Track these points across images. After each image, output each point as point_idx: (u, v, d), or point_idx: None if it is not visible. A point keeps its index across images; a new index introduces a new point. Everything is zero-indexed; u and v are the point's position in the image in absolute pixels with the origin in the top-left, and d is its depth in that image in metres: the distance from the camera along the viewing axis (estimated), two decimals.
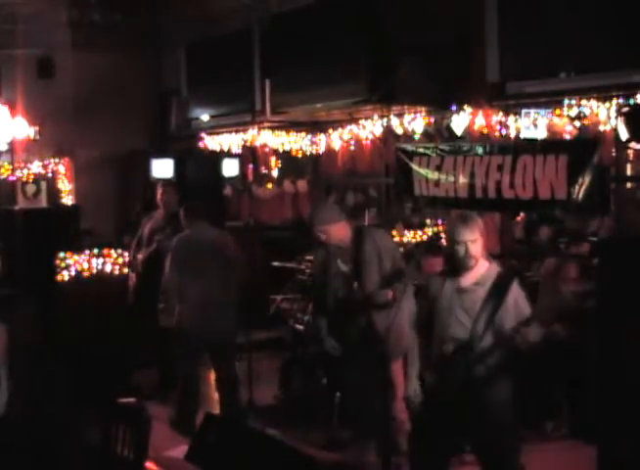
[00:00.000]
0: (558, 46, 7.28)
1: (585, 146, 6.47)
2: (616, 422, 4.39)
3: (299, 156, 11.06)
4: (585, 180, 6.21)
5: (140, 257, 7.83)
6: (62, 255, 7.37)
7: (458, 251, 4.33)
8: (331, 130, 10.07)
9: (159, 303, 7.27)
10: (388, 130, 8.81)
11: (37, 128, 10.27)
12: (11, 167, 9.43)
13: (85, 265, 7.47)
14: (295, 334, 7.38)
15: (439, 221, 9.00)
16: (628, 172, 7.84)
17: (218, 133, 11.42)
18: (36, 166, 10.70)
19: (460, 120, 7.84)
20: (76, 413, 3.73)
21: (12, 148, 9.27)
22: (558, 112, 7.27)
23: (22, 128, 9.33)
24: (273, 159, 11.98)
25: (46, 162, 10.99)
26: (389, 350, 5.10)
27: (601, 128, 7.04)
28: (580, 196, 6.25)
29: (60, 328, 7.11)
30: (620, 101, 6.78)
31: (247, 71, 10.78)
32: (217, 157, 11.31)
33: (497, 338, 4.27)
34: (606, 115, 6.91)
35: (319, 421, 6.41)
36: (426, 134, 8.38)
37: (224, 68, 10.99)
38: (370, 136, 9.32)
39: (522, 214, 9.23)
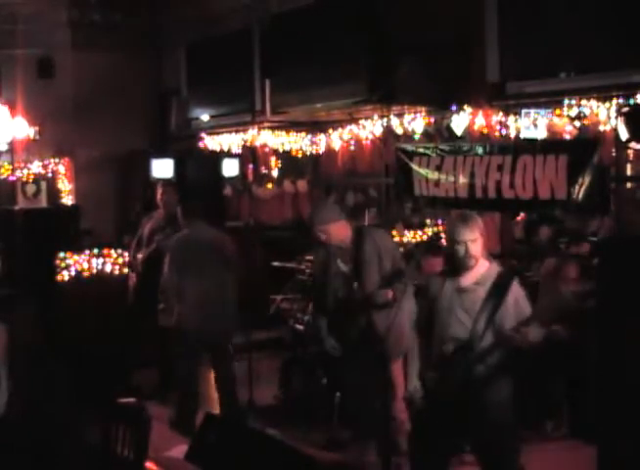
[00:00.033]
0: (558, 46, 7.28)
1: (585, 146, 6.47)
2: (616, 422, 4.39)
3: (299, 156, 11.06)
4: (585, 180, 6.22)
5: (140, 257, 7.84)
6: (62, 255, 7.37)
7: (458, 250, 4.33)
8: (331, 130, 10.07)
9: (158, 302, 7.27)
10: (388, 130, 8.81)
11: (37, 128, 10.27)
12: (11, 167, 9.43)
13: (85, 265, 7.47)
14: (295, 334, 7.38)
15: (439, 221, 9.00)
16: (628, 172, 7.83)
17: (218, 133, 11.42)
18: (36, 166, 10.70)
19: (460, 120, 7.84)
20: (76, 413, 3.73)
21: (12, 148, 9.28)
22: (558, 112, 7.27)
23: (22, 128, 9.34)
24: (273, 159, 11.98)
25: (46, 162, 10.99)
26: (389, 350, 5.10)
27: (601, 128, 7.04)
28: (580, 196, 6.25)
29: (60, 328, 7.11)
30: (620, 101, 6.78)
31: (247, 71, 10.78)
32: (217, 157, 11.31)
33: (497, 337, 4.26)
34: (606, 115, 6.91)
35: (319, 421, 6.41)
36: (426, 134, 8.38)
37: (224, 68, 10.99)
38: (370, 136, 9.32)
39: (522, 214, 9.22)
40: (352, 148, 9.87)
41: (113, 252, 7.63)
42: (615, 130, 6.55)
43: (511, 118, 7.60)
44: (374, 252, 5.58)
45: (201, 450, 4.08)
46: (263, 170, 12.06)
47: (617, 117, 6.49)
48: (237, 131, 11.10)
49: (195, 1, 11.41)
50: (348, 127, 9.63)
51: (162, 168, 10.94)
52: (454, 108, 7.91)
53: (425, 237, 9.25)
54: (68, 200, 11.21)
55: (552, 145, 6.79)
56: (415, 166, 7.62)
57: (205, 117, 11.42)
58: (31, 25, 11.24)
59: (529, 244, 8.58)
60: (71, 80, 11.64)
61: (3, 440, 3.49)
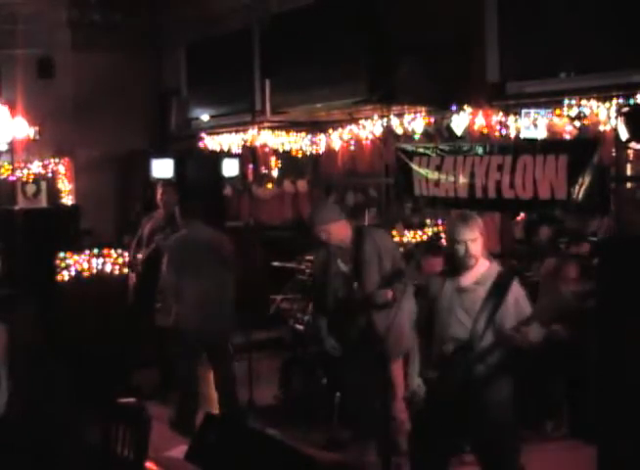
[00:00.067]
0: (558, 46, 7.28)
1: (585, 146, 6.47)
2: (616, 422, 4.39)
3: (299, 156, 11.06)
4: (585, 180, 6.22)
5: (140, 257, 7.84)
6: (62, 255, 7.37)
7: (458, 250, 4.33)
8: (331, 130, 10.07)
9: (156, 302, 7.27)
10: (388, 130, 8.81)
11: (37, 128, 10.27)
12: (11, 167, 9.44)
13: (85, 265, 7.47)
14: (295, 334, 7.38)
15: (439, 221, 9.00)
16: (628, 172, 7.83)
17: (218, 133, 11.41)
18: (36, 166, 10.70)
19: (460, 120, 7.84)
20: (76, 413, 3.73)
21: (12, 148, 9.28)
22: (558, 112, 7.27)
23: (22, 128, 9.34)
24: (273, 159, 11.98)
25: (46, 162, 10.99)
26: (389, 350, 5.10)
27: (601, 128, 7.04)
28: (580, 196, 6.26)
29: (60, 328, 7.11)
30: (620, 101, 6.78)
31: (247, 71, 10.78)
32: (217, 157, 11.31)
33: (497, 337, 4.26)
34: (606, 115, 6.91)
35: (319, 421, 6.41)
36: (426, 134, 8.38)
37: (224, 68, 10.99)
38: (370, 136, 9.32)
39: (522, 214, 9.23)
40: (352, 148, 9.87)
41: (113, 252, 7.63)
42: (615, 130, 6.55)
43: (511, 118, 7.60)
44: (374, 252, 5.58)
45: (201, 450, 4.08)
46: (263, 170, 12.07)
47: (616, 117, 6.49)
48: (237, 131, 11.10)
49: (195, 1, 11.41)
50: (348, 127, 9.63)
51: (162, 168, 10.94)
52: (454, 108, 7.90)
53: (425, 237, 9.25)
54: (68, 200, 11.21)
55: (552, 145, 6.79)
56: (415, 166, 7.63)
57: (205, 117, 11.42)
58: (31, 25, 11.24)
59: (529, 244, 8.59)
60: (71, 80, 11.64)
61: (3, 440, 3.49)
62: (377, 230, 6.10)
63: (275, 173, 12.11)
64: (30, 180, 9.55)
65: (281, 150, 11.12)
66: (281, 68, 9.53)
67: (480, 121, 7.74)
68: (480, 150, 7.04)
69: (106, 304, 7.51)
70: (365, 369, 5.36)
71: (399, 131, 8.65)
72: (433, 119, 8.29)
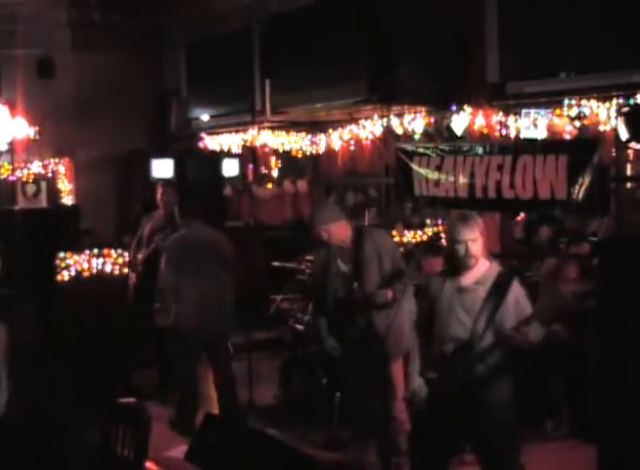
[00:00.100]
0: (558, 46, 7.28)
1: (585, 146, 6.47)
2: (616, 422, 4.39)
3: (299, 156, 11.06)
4: (585, 180, 6.22)
5: (140, 257, 7.84)
6: (62, 255, 7.37)
7: (458, 250, 4.33)
8: (331, 130, 10.07)
9: (155, 302, 7.27)
10: (388, 130, 8.81)
11: (37, 128, 10.27)
12: (11, 167, 9.44)
13: (85, 265, 7.47)
14: (295, 334, 7.38)
15: (439, 221, 9.00)
16: (628, 172, 7.83)
17: (218, 133, 11.41)
18: (36, 166, 10.70)
19: (460, 120, 7.84)
20: (76, 413, 3.73)
21: (12, 148, 9.28)
22: (558, 112, 7.27)
23: (22, 128, 9.34)
24: (273, 159, 11.98)
25: (46, 162, 10.99)
26: (389, 350, 5.10)
27: (601, 128, 7.04)
28: (580, 196, 6.25)
29: (60, 328, 7.11)
30: (620, 101, 6.78)
31: (247, 71, 10.78)
32: (217, 157, 11.31)
33: (497, 337, 4.26)
34: (606, 115, 6.91)
35: (319, 421, 6.41)
36: (426, 134, 8.38)
37: (224, 68, 10.99)
38: (370, 136, 9.32)
39: (522, 214, 9.23)
40: (352, 148, 9.86)
41: (113, 252, 7.63)
42: (615, 130, 6.55)
43: (511, 118, 7.60)
44: (374, 252, 5.58)
45: (201, 450, 4.08)
46: (263, 170, 12.07)
47: (616, 117, 6.49)
48: (237, 131, 11.10)
49: (195, 1, 11.40)
50: (348, 127, 9.63)
51: (162, 168, 10.94)
52: (454, 108, 7.90)
53: (425, 237, 9.25)
54: (68, 200, 11.21)
55: (552, 145, 6.79)
56: (415, 166, 7.63)
57: (205, 117, 11.42)
58: (31, 25, 11.24)
59: (529, 244, 8.59)
60: (71, 80, 11.64)
61: (3, 440, 3.49)
62: (377, 230, 6.10)
63: (275, 173, 12.11)
64: (30, 180, 9.55)
65: (281, 150, 11.12)
66: (281, 68, 9.53)
67: (480, 121, 7.74)
68: (479, 150, 7.03)
69: (106, 304, 7.50)
70: (365, 369, 5.36)
71: (399, 131, 8.65)
72: (433, 119, 8.29)
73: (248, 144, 11.07)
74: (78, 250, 7.51)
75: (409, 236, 9.23)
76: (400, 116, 8.60)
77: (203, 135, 11.55)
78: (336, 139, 9.99)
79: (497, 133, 7.68)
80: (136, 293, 7.90)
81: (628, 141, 6.36)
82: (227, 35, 10.85)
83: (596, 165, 6.21)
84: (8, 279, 7.42)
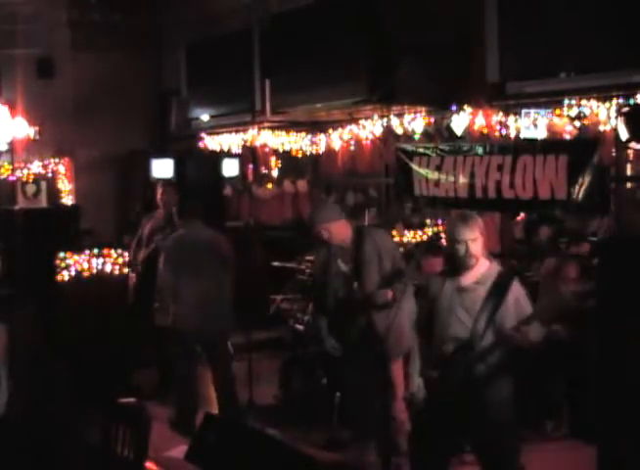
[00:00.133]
0: (558, 46, 7.28)
1: (585, 146, 6.47)
2: (616, 422, 4.39)
3: (299, 156, 11.06)
4: (585, 180, 6.22)
5: (140, 257, 7.84)
6: (62, 255, 7.36)
7: (458, 250, 4.33)
8: (331, 130, 10.07)
9: (154, 302, 7.26)
10: (388, 130, 8.81)
11: (37, 128, 10.27)
12: (11, 167, 9.44)
13: (85, 265, 7.46)
14: (295, 334, 7.38)
15: (439, 221, 9.00)
16: (628, 172, 7.84)
17: (218, 133, 11.42)
18: (36, 166, 10.70)
19: (460, 120, 7.84)
20: (76, 413, 3.73)
21: (12, 148, 9.28)
22: (558, 112, 7.27)
23: (22, 128, 9.34)
24: (273, 159, 11.98)
25: (46, 162, 11.00)
26: (389, 350, 5.10)
27: (601, 128, 7.04)
28: (580, 196, 6.25)
29: (60, 328, 7.11)
30: (620, 101, 6.78)
31: (247, 71, 10.78)
32: (217, 157, 11.31)
33: (498, 337, 4.26)
34: (606, 115, 6.91)
35: (319, 421, 6.41)
36: (426, 134, 8.38)
37: (224, 68, 10.99)
38: (370, 136, 9.32)
39: (522, 214, 9.23)
40: (352, 148, 9.87)
41: (113, 252, 7.63)
42: (615, 130, 6.55)
43: (511, 118, 7.60)
44: (374, 252, 5.58)
45: (201, 450, 4.08)
46: (263, 170, 12.07)
47: (617, 117, 6.49)
48: (237, 131, 11.10)
49: (195, 1, 11.41)
50: (348, 127, 9.63)
51: (162, 168, 10.94)
52: (454, 108, 7.91)
53: (425, 237, 9.25)
54: (68, 200, 11.21)
55: (552, 145, 6.79)
56: (415, 166, 7.62)
57: (205, 117, 11.42)
58: (31, 25, 11.25)
59: (529, 244, 8.59)
60: (71, 80, 11.64)
61: (3, 440, 3.49)
62: (377, 230, 6.11)
63: (275, 173, 12.11)
64: (30, 180, 9.55)
65: (281, 150, 11.12)
66: (281, 68, 9.53)
67: (480, 121, 7.74)
68: (479, 150, 7.03)
69: (106, 304, 7.50)
70: (365, 369, 5.36)
71: (399, 131, 8.65)
72: (433, 119, 8.30)
73: (248, 144, 11.07)
74: (78, 250, 7.51)
75: (409, 236, 9.23)
76: (400, 116, 8.60)
77: (203, 135, 11.55)
78: (336, 139, 9.99)
79: (497, 133, 7.68)
80: (136, 293, 7.90)
81: (628, 141, 6.36)
82: (227, 35, 10.84)
83: (596, 165, 6.21)
84: (8, 279, 7.41)
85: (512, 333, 4.19)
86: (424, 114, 8.37)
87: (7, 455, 3.48)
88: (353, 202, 11.05)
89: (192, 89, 11.87)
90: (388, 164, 9.11)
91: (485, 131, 7.73)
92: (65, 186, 11.26)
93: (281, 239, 10.44)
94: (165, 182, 8.58)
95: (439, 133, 8.19)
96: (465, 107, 7.81)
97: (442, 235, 8.31)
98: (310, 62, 8.78)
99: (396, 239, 8.59)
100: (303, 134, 10.69)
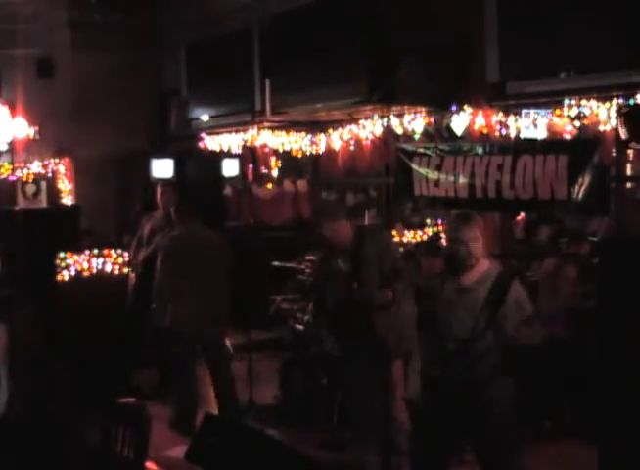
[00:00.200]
0: (558, 46, 7.28)
1: (585, 146, 6.47)
2: (616, 422, 4.39)
3: (299, 156, 11.06)
4: (585, 180, 6.22)
5: (140, 257, 7.83)
6: (62, 255, 7.36)
7: (458, 250, 4.33)
8: (331, 130, 10.07)
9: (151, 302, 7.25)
10: (389, 130, 8.81)
11: (37, 128, 10.27)
12: (11, 167, 9.43)
13: (85, 265, 7.46)
14: (295, 334, 7.38)
15: (439, 221, 9.00)
16: (628, 172, 7.83)
17: (218, 133, 11.42)
18: (36, 166, 10.71)
19: (460, 120, 7.84)
20: (76, 413, 3.73)
21: (12, 148, 9.27)
22: (558, 112, 7.28)
23: (22, 128, 9.33)
24: (273, 159, 11.98)
25: (46, 162, 11.00)
26: (390, 350, 5.10)
27: (601, 128, 7.04)
28: (580, 196, 6.26)
29: (60, 328, 7.10)
30: (620, 101, 6.78)
31: (247, 71, 10.78)
32: (217, 157, 11.31)
33: (498, 337, 4.26)
34: (606, 115, 6.91)
35: (319, 421, 6.41)
36: (426, 134, 8.38)
37: (224, 68, 10.99)
38: (370, 136, 9.33)
39: (522, 214, 9.23)
40: (352, 148, 9.87)
41: (113, 252, 7.62)
42: (615, 130, 6.55)
43: (511, 118, 7.61)
44: (374, 252, 5.58)
45: (201, 450, 4.07)
46: (263, 170, 12.07)
47: (617, 117, 6.49)
48: (237, 131, 11.11)
49: (195, 1, 11.41)
50: (348, 127, 9.64)
51: (162, 168, 10.93)
52: (454, 108, 7.91)
53: (425, 237, 9.25)
54: (68, 200, 11.21)
55: (552, 145, 6.79)
56: (415, 166, 7.62)
57: (205, 118, 11.42)
58: (31, 25, 11.25)
59: (529, 244, 8.59)
60: (71, 80, 11.65)
61: (3, 440, 3.49)
62: (377, 230, 6.12)
63: (275, 173, 12.11)
64: (30, 180, 9.51)
65: (281, 150, 11.13)
66: (281, 68, 9.53)
67: (480, 121, 7.74)
68: (480, 150, 7.03)
69: (106, 304, 7.50)
70: (365, 369, 5.36)
71: (399, 131, 8.65)
72: (433, 119, 8.30)
73: (248, 144, 11.07)
74: (78, 250, 7.51)
75: (409, 236, 9.23)
76: (400, 116, 8.60)
77: (203, 135, 11.55)
78: (336, 139, 10.00)
79: (497, 133, 7.68)
80: (136, 293, 7.89)
81: (628, 141, 6.36)
82: (227, 35, 10.85)
83: (596, 165, 6.21)
84: (8, 279, 7.41)
85: (512, 333, 4.19)
86: (424, 114, 8.37)
87: (7, 455, 3.48)
88: (353, 202, 11.05)
89: (192, 89, 11.87)
90: (388, 164, 9.11)
91: (485, 131, 7.73)
92: (65, 186, 11.27)
93: (281, 239, 10.44)
94: (165, 182, 8.58)
95: (439, 133, 8.20)
96: (465, 107, 7.81)
97: (442, 235, 8.31)
98: (310, 62, 8.78)
99: (396, 239, 8.58)
100: (303, 134, 10.69)
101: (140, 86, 12.02)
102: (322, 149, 10.49)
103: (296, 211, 11.70)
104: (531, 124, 7.47)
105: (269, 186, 11.85)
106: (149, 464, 3.99)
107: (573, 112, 7.11)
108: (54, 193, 10.75)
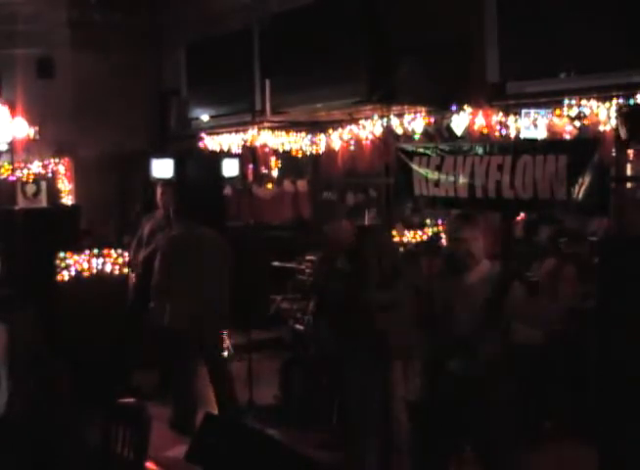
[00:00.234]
0: (558, 46, 7.28)
1: (585, 146, 6.47)
2: (616, 422, 4.39)
3: (299, 156, 11.06)
4: (585, 180, 6.21)
5: (140, 257, 7.83)
6: (62, 255, 7.37)
7: (459, 250, 4.34)
8: (331, 130, 10.07)
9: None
10: (389, 130, 8.80)
11: (37, 128, 10.26)
12: (11, 167, 9.43)
13: (85, 265, 7.46)
14: (295, 334, 7.38)
15: (439, 221, 8.99)
16: (628, 172, 7.83)
17: (218, 133, 11.41)
18: (36, 166, 10.70)
19: (460, 120, 7.84)
20: (76, 413, 3.73)
21: (12, 148, 9.27)
22: (558, 112, 7.27)
23: (22, 128, 9.33)
24: (273, 159, 11.98)
25: (46, 162, 10.99)
26: (390, 350, 5.10)
27: (601, 128, 7.04)
28: (580, 196, 6.25)
29: (60, 328, 7.11)
30: (620, 101, 6.78)
31: (247, 71, 10.77)
32: (217, 157, 11.30)
33: (498, 337, 4.26)
34: (606, 115, 6.91)
35: (319, 421, 6.41)
36: (426, 134, 8.38)
37: (224, 68, 10.98)
38: (370, 136, 9.32)
39: (522, 214, 9.22)
40: (352, 148, 9.86)
41: (113, 252, 7.63)
42: (615, 130, 6.54)
43: (511, 118, 7.60)
44: (374, 252, 5.58)
45: (201, 450, 4.07)
46: (263, 170, 12.06)
47: (616, 117, 6.49)
48: (237, 131, 11.10)
49: (195, 1, 11.40)
50: (348, 127, 9.63)
51: (162, 168, 10.92)
52: (454, 108, 7.90)
53: (425, 237, 9.25)
54: (68, 200, 11.21)
55: (552, 145, 6.79)
56: (415, 166, 7.62)
57: (205, 117, 11.41)
58: (31, 25, 11.24)
59: (529, 244, 8.58)
60: (71, 80, 11.64)
61: (3, 440, 3.49)
62: (377, 230, 6.12)
63: (275, 173, 12.10)
64: (30, 180, 9.51)
65: (281, 150, 11.12)
66: (281, 68, 9.53)
67: (480, 121, 7.74)
68: (480, 150, 7.03)
69: (106, 304, 7.50)
70: (365, 369, 5.36)
71: (399, 131, 8.65)
72: (433, 119, 8.29)
73: (248, 144, 11.07)
74: (78, 250, 7.51)
75: (409, 236, 9.23)
76: (400, 116, 8.60)
77: (203, 135, 11.55)
78: (336, 139, 9.99)
79: (497, 133, 7.68)
80: (136, 293, 7.89)
81: (628, 141, 6.36)
82: (227, 35, 10.84)
83: (596, 165, 6.21)
84: (8, 279, 7.41)
85: (512, 333, 4.19)
86: (424, 114, 8.37)
87: (7, 455, 3.48)
88: (353, 202, 11.05)
89: (192, 89, 11.86)
90: (388, 165, 9.10)
91: (485, 131, 7.73)
92: (65, 186, 11.26)
93: (281, 239, 10.44)
94: (165, 182, 8.58)
95: (439, 133, 8.19)
96: (465, 107, 7.81)
97: (442, 235, 8.31)
98: (310, 62, 8.78)
99: (396, 239, 8.58)
100: (303, 134, 10.69)
101: (140, 86, 12.02)
102: (322, 149, 10.48)
103: (296, 211, 11.70)
104: (531, 124, 7.46)
105: (269, 186, 11.85)
106: (149, 464, 3.99)
107: (573, 112, 7.10)
108: (54, 193, 10.74)
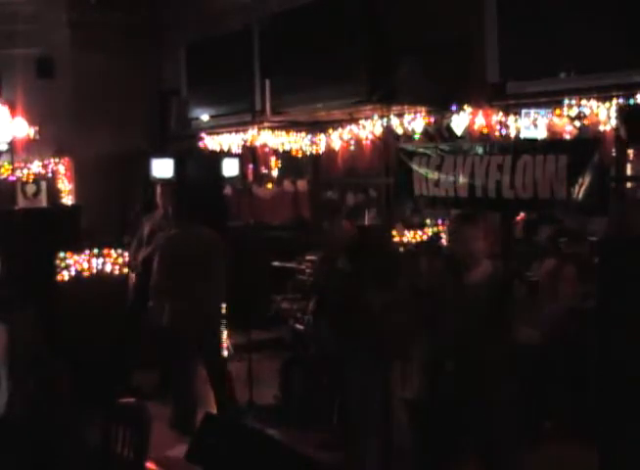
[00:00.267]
0: (558, 46, 7.27)
1: (585, 146, 6.47)
2: (616, 422, 4.39)
3: (299, 156, 11.06)
4: (585, 180, 6.21)
5: (140, 257, 7.83)
6: (62, 255, 7.37)
7: (459, 250, 4.33)
8: (331, 130, 10.07)
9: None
10: (389, 130, 8.81)
11: (37, 128, 10.26)
12: (11, 167, 9.44)
13: (85, 265, 7.46)
14: (295, 334, 7.38)
15: (439, 221, 8.99)
16: (628, 172, 7.83)
17: (218, 133, 11.41)
18: (36, 166, 10.70)
19: (460, 120, 7.84)
20: (76, 413, 3.73)
21: (12, 148, 9.27)
22: (558, 112, 7.27)
23: (22, 128, 9.33)
24: (273, 159, 11.98)
25: (46, 162, 10.99)
26: (389, 350, 5.10)
27: (601, 128, 7.04)
28: (580, 196, 6.25)
29: (60, 328, 7.10)
30: (620, 101, 6.78)
31: (247, 71, 10.77)
32: (217, 157, 11.30)
33: (498, 337, 4.26)
34: (606, 115, 6.91)
35: (319, 421, 6.41)
36: (426, 134, 8.38)
37: (224, 68, 10.98)
38: (370, 136, 9.32)
39: (522, 214, 9.22)
40: (352, 148, 9.86)
41: (113, 252, 7.63)
42: (615, 130, 6.55)
43: (511, 118, 7.60)
44: (373, 252, 5.58)
45: (201, 450, 4.08)
46: (263, 170, 12.06)
47: (617, 117, 6.49)
48: (237, 131, 11.10)
49: (195, 1, 11.40)
50: (348, 127, 9.63)
51: (162, 168, 10.92)
52: (454, 108, 7.90)
53: (425, 237, 9.25)
54: (68, 200, 11.21)
55: (552, 145, 6.79)
56: (415, 166, 7.62)
57: (205, 117, 11.41)
58: (31, 25, 11.24)
59: (529, 244, 8.58)
60: (71, 80, 11.64)
61: (3, 440, 3.49)
62: (376, 230, 6.12)
63: (275, 173, 12.10)
64: (30, 180, 9.54)
65: (281, 150, 11.12)
66: (281, 68, 9.53)
67: (480, 121, 7.74)
68: (479, 150, 7.03)
69: (106, 304, 7.50)
70: (365, 369, 5.36)
71: (399, 131, 8.65)
72: (433, 119, 8.29)
73: (248, 144, 11.07)
74: (78, 250, 7.51)
75: (409, 236, 9.23)
76: (400, 116, 8.60)
77: (203, 135, 11.55)
78: (336, 139, 9.99)
79: (497, 133, 7.68)
80: (136, 293, 7.89)
81: (628, 141, 6.36)
82: (227, 35, 10.84)
83: (596, 165, 6.21)
84: (8, 279, 7.41)
85: (512, 333, 4.19)
86: (424, 114, 8.37)
87: (7, 455, 3.48)
88: (353, 202, 11.05)
89: (192, 89, 11.86)
90: (388, 165, 9.11)
91: (485, 131, 7.73)
92: (65, 186, 11.26)
93: (281, 239, 10.44)
94: (165, 182, 8.58)
95: (439, 133, 8.19)
96: (465, 107, 7.81)
97: (442, 235, 8.31)
98: (310, 62, 8.78)
99: (396, 239, 8.58)
100: (303, 134, 10.69)
101: (140, 86, 12.01)
102: (322, 149, 10.48)
103: (296, 211, 11.70)
104: (531, 124, 7.46)
105: (269, 186, 11.85)
106: (149, 464, 3.99)
107: (573, 112, 7.10)
108: (54, 193, 10.75)
